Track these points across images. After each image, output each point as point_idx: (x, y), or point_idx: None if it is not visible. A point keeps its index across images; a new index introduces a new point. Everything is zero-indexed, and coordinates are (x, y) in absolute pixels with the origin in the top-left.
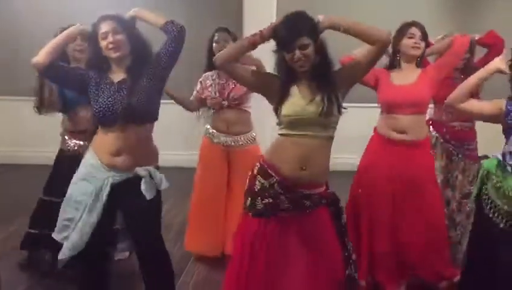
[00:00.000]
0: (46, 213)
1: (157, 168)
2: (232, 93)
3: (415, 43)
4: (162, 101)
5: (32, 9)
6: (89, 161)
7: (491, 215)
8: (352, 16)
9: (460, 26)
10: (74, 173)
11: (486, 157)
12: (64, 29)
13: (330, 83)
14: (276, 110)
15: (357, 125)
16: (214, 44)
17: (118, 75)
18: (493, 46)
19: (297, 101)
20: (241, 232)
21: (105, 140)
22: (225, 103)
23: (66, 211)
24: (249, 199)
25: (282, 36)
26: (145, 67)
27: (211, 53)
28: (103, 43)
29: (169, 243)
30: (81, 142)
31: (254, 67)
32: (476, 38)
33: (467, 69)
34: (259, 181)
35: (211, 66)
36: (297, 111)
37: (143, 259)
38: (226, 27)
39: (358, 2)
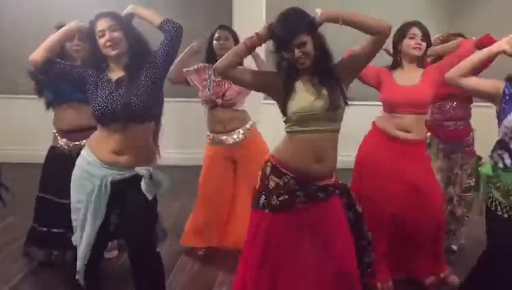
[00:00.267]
0: (44, 210)
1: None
2: (228, 93)
3: (417, 43)
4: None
5: (17, 8)
6: (86, 159)
7: (506, 215)
8: None
9: (449, 25)
10: (66, 172)
11: (479, 158)
12: (61, 26)
13: (332, 76)
14: (283, 108)
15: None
16: (214, 41)
17: (116, 73)
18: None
19: (304, 97)
20: (253, 229)
21: (104, 138)
22: (219, 101)
23: (72, 213)
24: (263, 196)
25: (279, 36)
26: (144, 65)
27: (211, 49)
28: (101, 41)
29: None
30: (71, 143)
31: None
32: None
33: None
34: (273, 180)
35: (209, 62)
36: (306, 107)
37: (135, 260)
38: (226, 25)
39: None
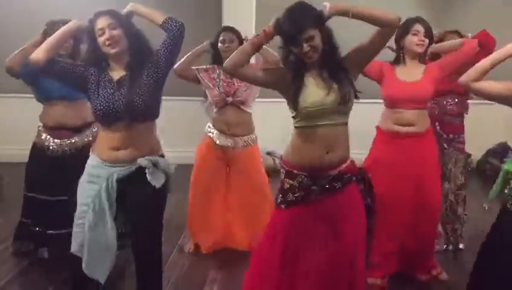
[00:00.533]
0: (32, 209)
1: (162, 156)
2: (238, 92)
3: (420, 40)
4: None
5: (6, 7)
6: (91, 163)
7: None
8: None
9: (439, 22)
10: (50, 169)
11: (469, 155)
12: (53, 24)
13: (341, 69)
14: (293, 104)
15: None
16: (219, 44)
17: (117, 73)
18: (485, 45)
19: (315, 92)
20: (271, 227)
21: (106, 138)
22: (229, 99)
23: (76, 218)
24: (280, 195)
25: (287, 31)
26: (145, 64)
27: (216, 51)
28: (100, 39)
29: None
30: (56, 140)
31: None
32: (470, 37)
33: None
34: (288, 183)
35: (215, 63)
36: (317, 102)
37: (139, 255)
38: (231, 26)
39: None
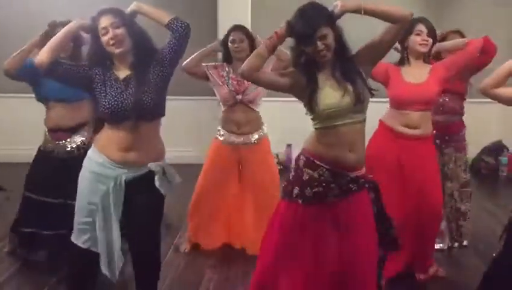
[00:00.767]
0: (34, 211)
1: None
2: (248, 90)
3: (423, 39)
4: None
5: (6, 8)
6: (96, 160)
7: None
8: None
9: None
10: (51, 171)
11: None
12: (54, 25)
13: (354, 68)
14: (310, 106)
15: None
16: (229, 44)
17: (123, 72)
18: (487, 51)
19: (331, 94)
20: (285, 220)
21: (114, 137)
22: (239, 97)
23: (81, 215)
24: (297, 187)
25: (300, 31)
26: (150, 63)
27: (226, 49)
28: (104, 39)
29: None
30: (56, 142)
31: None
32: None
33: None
34: (307, 173)
35: (226, 61)
36: (334, 103)
37: (139, 256)
38: (241, 25)
39: None
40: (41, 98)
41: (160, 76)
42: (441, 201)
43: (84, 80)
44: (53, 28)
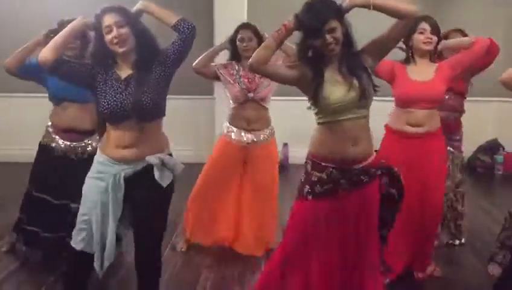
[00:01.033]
0: (34, 209)
1: (170, 155)
2: (259, 88)
3: (427, 38)
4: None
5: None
6: (97, 159)
7: None
8: None
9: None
10: (61, 172)
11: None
12: (62, 23)
13: (360, 64)
14: (315, 101)
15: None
16: (238, 42)
17: (125, 71)
18: (491, 52)
19: (336, 89)
20: (299, 221)
21: (113, 135)
22: (251, 95)
23: (80, 214)
24: (307, 186)
25: (309, 24)
26: (153, 63)
27: (234, 47)
28: (108, 37)
29: None
30: (69, 143)
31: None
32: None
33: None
34: (315, 175)
35: (234, 59)
36: (339, 99)
37: (140, 254)
38: (249, 23)
39: None
40: (54, 98)
41: (162, 76)
42: (442, 200)
43: (87, 78)
44: (61, 28)
